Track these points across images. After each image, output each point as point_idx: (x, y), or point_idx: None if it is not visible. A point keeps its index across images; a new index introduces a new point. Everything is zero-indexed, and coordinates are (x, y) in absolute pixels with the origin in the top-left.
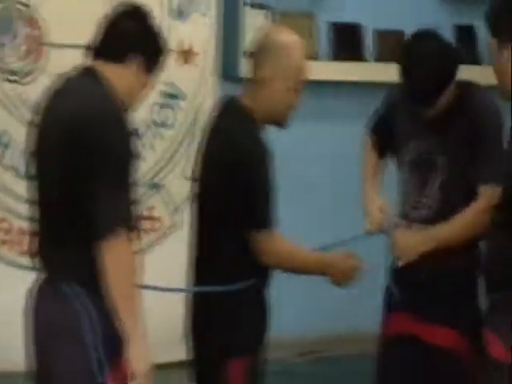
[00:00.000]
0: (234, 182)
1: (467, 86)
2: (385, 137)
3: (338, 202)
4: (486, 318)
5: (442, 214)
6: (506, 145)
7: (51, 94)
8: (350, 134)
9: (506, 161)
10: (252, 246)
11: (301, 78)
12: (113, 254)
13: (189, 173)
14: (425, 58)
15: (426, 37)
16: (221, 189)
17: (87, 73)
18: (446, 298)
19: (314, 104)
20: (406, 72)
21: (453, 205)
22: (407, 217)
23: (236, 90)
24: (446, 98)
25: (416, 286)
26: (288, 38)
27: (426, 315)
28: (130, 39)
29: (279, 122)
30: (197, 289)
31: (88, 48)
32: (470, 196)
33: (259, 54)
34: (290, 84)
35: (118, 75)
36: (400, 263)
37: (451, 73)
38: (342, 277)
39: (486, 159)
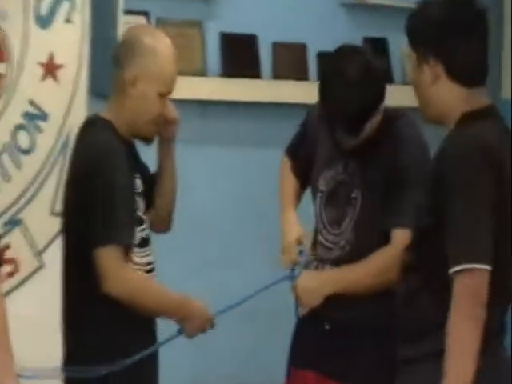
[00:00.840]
0: (81, 197)
1: (391, 112)
2: (303, 162)
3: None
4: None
5: (356, 255)
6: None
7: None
8: (241, 160)
9: (417, 196)
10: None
11: (169, 86)
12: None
13: (56, 206)
14: (348, 81)
15: (349, 54)
16: (75, 210)
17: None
18: (354, 353)
19: (200, 126)
20: (325, 96)
21: (367, 246)
22: (319, 257)
23: None
24: (371, 125)
25: (320, 338)
26: (156, 37)
27: (334, 374)
28: None
29: (144, 135)
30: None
31: None
32: (386, 238)
33: (122, 53)
34: (155, 89)
35: None
36: (302, 311)
37: (378, 98)
38: (197, 324)
39: (400, 199)
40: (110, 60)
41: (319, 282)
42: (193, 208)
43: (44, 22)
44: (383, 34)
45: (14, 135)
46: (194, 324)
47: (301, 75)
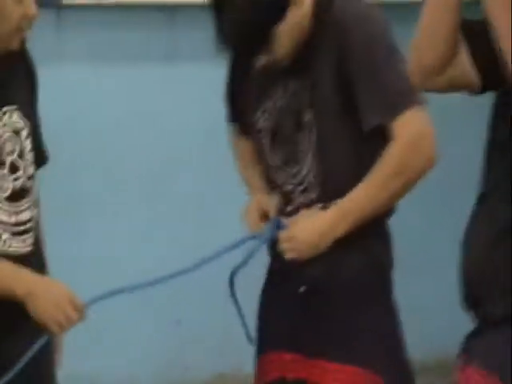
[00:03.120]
0: None
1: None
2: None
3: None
4: (469, 347)
5: (330, 193)
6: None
7: None
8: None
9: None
10: None
11: None
12: None
13: None
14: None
15: None
16: None
17: None
18: (339, 322)
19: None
20: (215, 10)
21: (340, 171)
22: (285, 209)
23: None
24: (287, 37)
25: (294, 306)
26: None
27: (317, 352)
28: None
29: (10, 46)
30: None
31: None
32: (362, 152)
33: None
34: None
35: None
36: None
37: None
38: (50, 310)
39: (376, 86)
40: None
41: (324, 226)
42: None
43: None
44: None
45: None
46: (42, 305)
47: None
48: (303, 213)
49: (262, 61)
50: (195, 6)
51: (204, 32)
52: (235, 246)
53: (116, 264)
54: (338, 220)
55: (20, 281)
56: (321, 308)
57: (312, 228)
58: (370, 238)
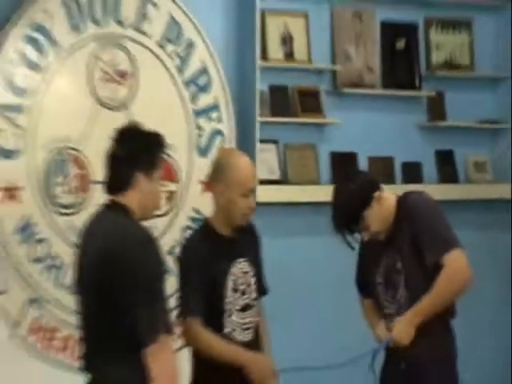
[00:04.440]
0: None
1: (403, 197)
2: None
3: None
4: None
5: (411, 303)
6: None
7: (86, 227)
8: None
9: (444, 223)
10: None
11: (249, 188)
12: (157, 357)
13: None
14: (337, 200)
15: (345, 180)
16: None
17: (111, 206)
18: None
19: (313, 220)
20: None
21: (418, 293)
22: (386, 316)
23: None
24: (376, 220)
25: (399, 376)
26: (236, 156)
27: None
28: (130, 165)
29: (236, 224)
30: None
31: (103, 185)
32: (428, 280)
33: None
34: (239, 193)
35: (132, 198)
36: (392, 344)
37: (359, 205)
38: (259, 375)
39: (433, 237)
40: None
41: (407, 320)
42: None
43: (203, 152)
44: (450, 147)
45: (182, 233)
46: (259, 374)
47: (390, 181)
48: (398, 319)
49: (365, 236)
50: None
51: None
52: (378, 350)
53: None
54: (414, 316)
55: (243, 355)
56: (415, 379)
57: (400, 325)
58: (439, 332)
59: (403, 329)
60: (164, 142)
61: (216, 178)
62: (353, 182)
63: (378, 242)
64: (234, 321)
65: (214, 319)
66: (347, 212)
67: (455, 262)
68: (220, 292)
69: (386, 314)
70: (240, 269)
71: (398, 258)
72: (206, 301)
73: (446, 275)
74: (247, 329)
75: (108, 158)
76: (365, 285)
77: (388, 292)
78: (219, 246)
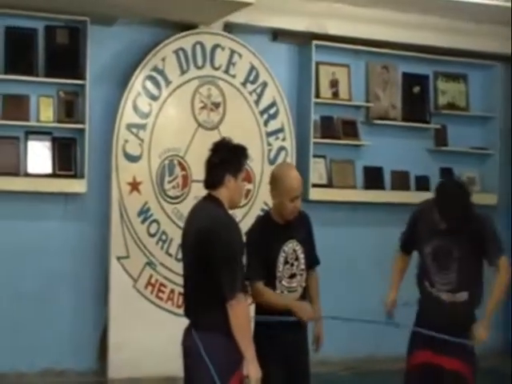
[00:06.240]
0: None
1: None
2: (409, 247)
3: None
4: None
5: (460, 283)
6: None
7: (190, 212)
8: (372, 237)
9: (497, 236)
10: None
11: (295, 194)
12: (235, 311)
13: None
14: (456, 199)
15: (453, 183)
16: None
17: (208, 198)
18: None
19: (352, 216)
20: (444, 208)
21: (466, 277)
22: (436, 288)
23: None
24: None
25: (436, 331)
26: (286, 169)
27: (440, 351)
28: (222, 169)
29: (286, 217)
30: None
31: (203, 183)
32: (474, 270)
33: (271, 181)
34: (287, 198)
35: (222, 194)
36: (477, 342)
37: (469, 206)
38: (302, 315)
39: (492, 244)
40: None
41: (484, 325)
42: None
43: (271, 162)
44: (450, 166)
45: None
46: (300, 313)
47: (406, 188)
48: (478, 322)
49: (443, 225)
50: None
51: None
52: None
53: None
54: (487, 319)
55: (292, 303)
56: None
57: (481, 329)
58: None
59: (483, 331)
60: (247, 153)
61: (272, 185)
62: (458, 182)
63: (433, 223)
64: (284, 285)
65: (270, 283)
66: (467, 197)
67: (505, 267)
68: (274, 264)
69: (433, 282)
70: (290, 247)
71: (455, 246)
72: (265, 269)
73: (503, 280)
74: (293, 291)
75: (206, 164)
76: (410, 243)
77: (439, 269)
78: (275, 230)
